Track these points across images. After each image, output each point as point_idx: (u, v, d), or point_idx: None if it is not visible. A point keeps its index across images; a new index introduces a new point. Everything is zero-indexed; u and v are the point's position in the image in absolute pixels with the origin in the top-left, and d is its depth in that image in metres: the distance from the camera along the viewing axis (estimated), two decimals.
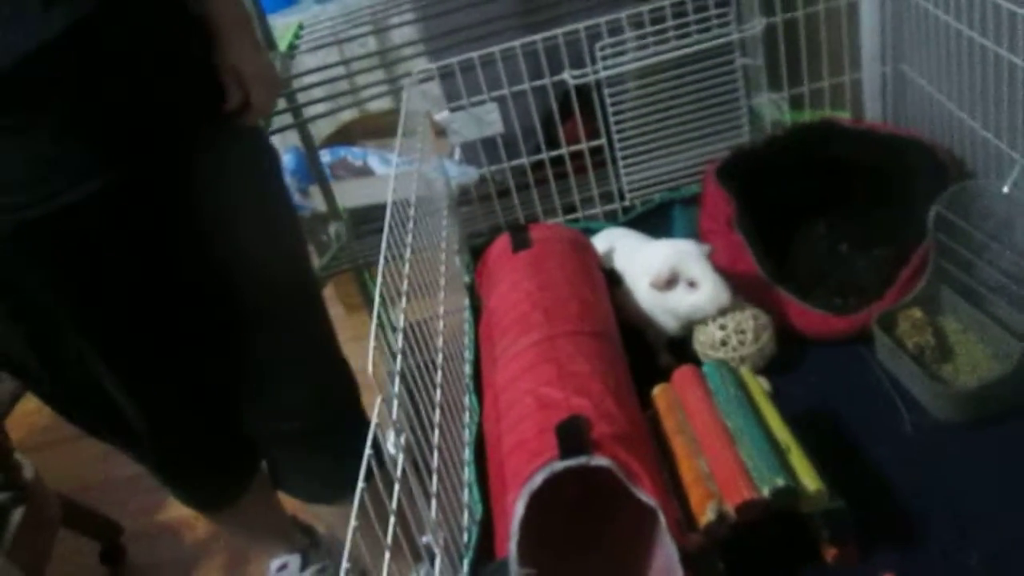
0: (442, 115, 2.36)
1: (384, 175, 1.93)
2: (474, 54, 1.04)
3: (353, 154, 2.08)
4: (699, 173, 1.18)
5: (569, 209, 1.22)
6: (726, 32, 1.04)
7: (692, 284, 0.94)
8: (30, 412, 2.20)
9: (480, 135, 1.08)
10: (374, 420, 0.62)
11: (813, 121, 1.12)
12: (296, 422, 1.14)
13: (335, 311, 2.11)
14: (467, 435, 0.86)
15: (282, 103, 1.39)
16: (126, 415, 1.04)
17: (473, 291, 1.09)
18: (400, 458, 0.61)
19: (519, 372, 0.82)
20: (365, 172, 2.08)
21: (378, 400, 0.59)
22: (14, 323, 0.95)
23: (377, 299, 0.73)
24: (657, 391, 0.85)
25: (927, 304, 0.92)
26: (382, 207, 1.63)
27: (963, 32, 0.94)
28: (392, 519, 0.56)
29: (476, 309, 1.06)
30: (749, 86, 1.14)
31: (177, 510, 1.87)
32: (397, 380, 0.65)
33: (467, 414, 0.89)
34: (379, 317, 0.71)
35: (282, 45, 1.57)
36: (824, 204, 1.14)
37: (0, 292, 0.92)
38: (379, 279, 0.72)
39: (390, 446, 0.59)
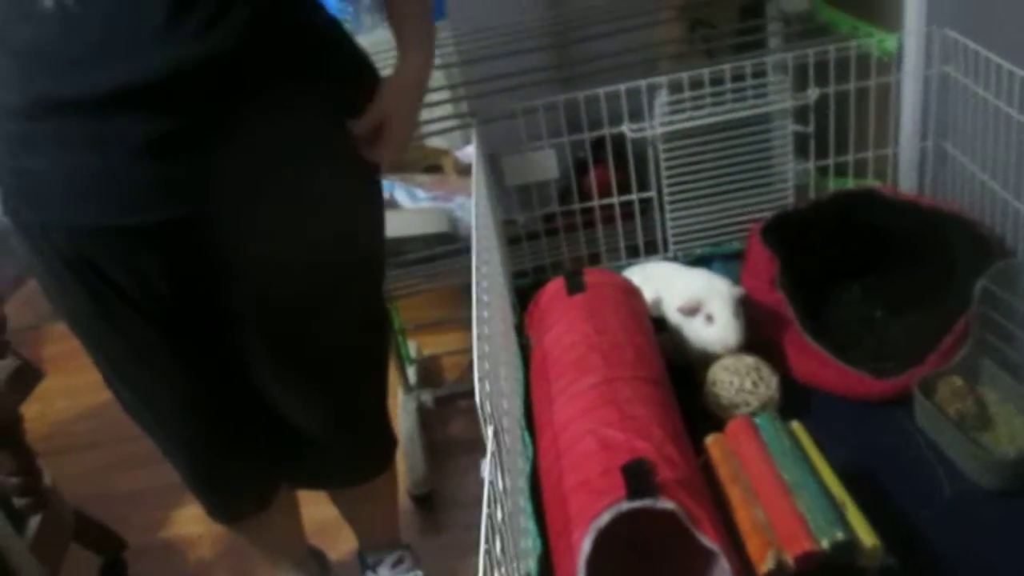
0: (463, 151, 2.41)
1: (413, 208, 1.96)
2: (539, 101, 1.08)
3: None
4: (742, 230, 1.22)
5: (610, 256, 1.26)
6: (781, 99, 1.09)
7: (709, 318, 1.02)
8: (32, 419, 2.19)
9: (534, 179, 1.12)
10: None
11: (856, 188, 1.16)
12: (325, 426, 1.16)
13: None
14: (522, 467, 0.88)
15: None
16: (179, 409, 1.05)
17: (520, 331, 1.11)
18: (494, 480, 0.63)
19: (579, 412, 0.85)
20: (390, 205, 2.11)
21: (489, 432, 0.61)
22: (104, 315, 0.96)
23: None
24: (711, 440, 0.87)
25: (967, 373, 0.96)
26: (407, 240, 1.65)
27: (1011, 115, 0.99)
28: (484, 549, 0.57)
29: (523, 347, 1.09)
30: (796, 151, 1.18)
31: (181, 528, 1.86)
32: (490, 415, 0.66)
33: (518, 461, 0.91)
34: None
35: None
36: (861, 269, 1.18)
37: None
38: (473, 304, 0.74)
39: (484, 472, 0.60)
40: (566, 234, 1.23)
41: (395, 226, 1.88)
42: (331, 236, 0.99)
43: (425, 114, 1.89)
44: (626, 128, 1.10)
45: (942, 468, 0.89)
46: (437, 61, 1.49)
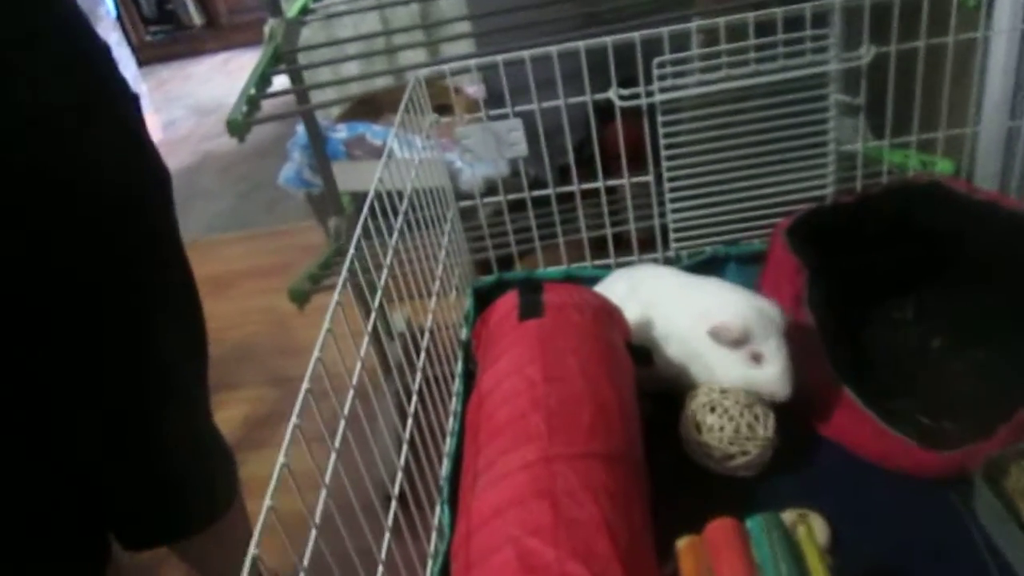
0: (474, 89, 2.14)
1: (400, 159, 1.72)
2: (498, 57, 0.82)
3: (373, 132, 1.86)
4: (765, 227, 0.95)
5: (598, 248, 1.00)
6: (823, 60, 0.81)
7: (756, 358, 0.77)
8: None
9: (498, 157, 0.87)
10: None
11: (918, 179, 0.89)
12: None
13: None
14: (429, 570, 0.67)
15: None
16: None
17: (468, 352, 0.88)
18: None
19: (502, 504, 0.62)
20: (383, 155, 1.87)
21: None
22: None
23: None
24: (683, 546, 0.64)
25: None
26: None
27: None
28: None
29: (471, 374, 0.86)
30: (842, 128, 0.90)
31: None
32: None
33: (433, 540, 0.69)
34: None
35: (294, 8, 1.35)
36: (916, 282, 0.92)
37: None
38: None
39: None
40: (538, 222, 0.98)
41: (389, 180, 1.66)
42: None
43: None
44: (613, 94, 0.84)
45: None
46: None
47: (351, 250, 0.54)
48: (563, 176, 0.98)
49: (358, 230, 0.56)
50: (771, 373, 0.77)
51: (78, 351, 0.88)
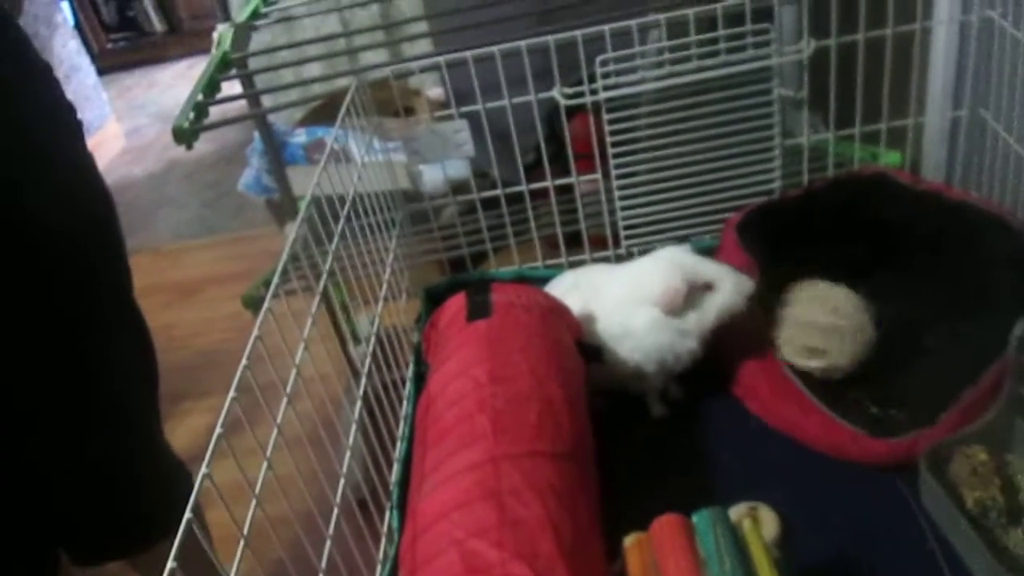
0: (436, 91, 2.13)
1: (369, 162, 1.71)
2: (440, 58, 0.82)
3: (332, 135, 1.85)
4: (714, 222, 0.96)
5: (554, 247, 1.00)
6: (764, 55, 0.82)
7: (708, 287, 0.79)
8: None
9: (445, 158, 0.86)
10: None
11: (863, 173, 0.89)
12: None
13: None
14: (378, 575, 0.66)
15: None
16: None
17: (420, 355, 0.88)
18: None
19: (448, 506, 0.62)
20: (345, 157, 1.86)
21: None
22: None
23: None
24: (630, 544, 0.64)
25: (993, 439, 0.71)
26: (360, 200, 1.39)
27: None
28: None
29: (421, 377, 0.86)
30: (786, 122, 0.91)
31: None
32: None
33: (383, 544, 0.68)
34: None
35: (244, 12, 1.34)
36: (864, 273, 0.92)
37: None
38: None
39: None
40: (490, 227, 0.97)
41: (346, 182, 1.65)
42: None
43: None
44: (557, 92, 0.84)
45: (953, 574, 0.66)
46: None
47: (283, 258, 0.54)
48: (528, 175, 0.97)
49: (291, 238, 0.56)
50: (728, 282, 0.79)
51: (26, 381, 0.87)
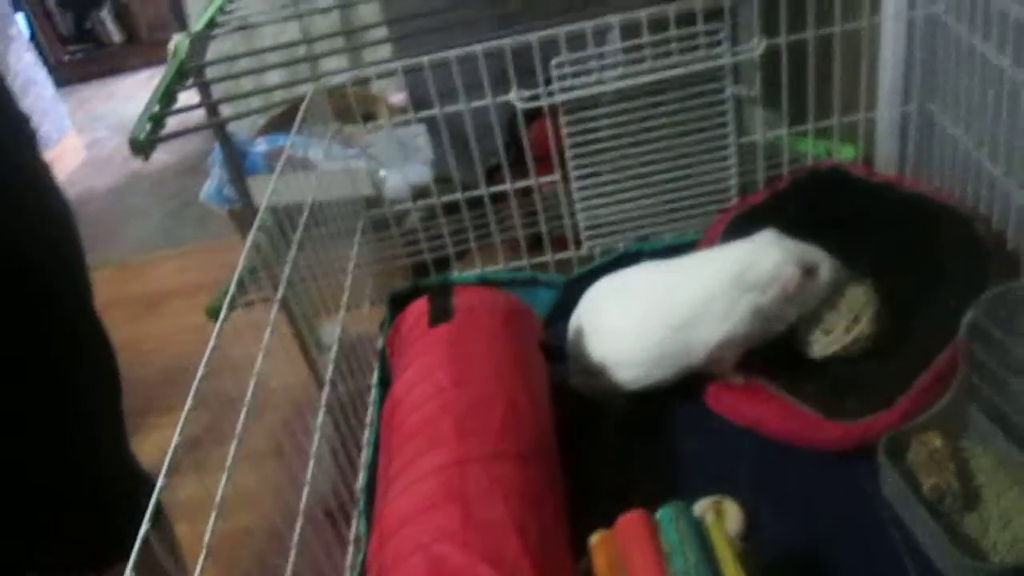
0: (397, 98, 2.12)
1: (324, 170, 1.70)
2: (395, 64, 0.82)
3: (294, 143, 1.83)
4: (675, 220, 0.97)
5: (514, 250, 1.01)
6: (717, 54, 0.83)
7: (811, 271, 0.78)
8: None
9: (403, 163, 0.86)
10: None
11: (820, 168, 0.91)
12: None
13: None
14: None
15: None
16: None
17: (384, 361, 0.88)
18: None
19: (413, 510, 0.62)
20: (306, 165, 1.85)
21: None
22: None
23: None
24: (596, 541, 0.64)
25: (949, 426, 0.72)
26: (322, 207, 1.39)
27: (1006, 71, 0.73)
28: None
29: (385, 383, 0.86)
30: (741, 120, 0.92)
31: None
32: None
33: (349, 552, 0.68)
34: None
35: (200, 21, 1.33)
36: None
37: None
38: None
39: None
40: (452, 229, 0.97)
41: (306, 190, 1.64)
42: None
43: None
44: (514, 96, 0.84)
45: (913, 562, 0.67)
46: None
47: (239, 267, 0.53)
48: (491, 178, 0.97)
49: (247, 247, 0.56)
50: (826, 265, 0.78)
51: None
